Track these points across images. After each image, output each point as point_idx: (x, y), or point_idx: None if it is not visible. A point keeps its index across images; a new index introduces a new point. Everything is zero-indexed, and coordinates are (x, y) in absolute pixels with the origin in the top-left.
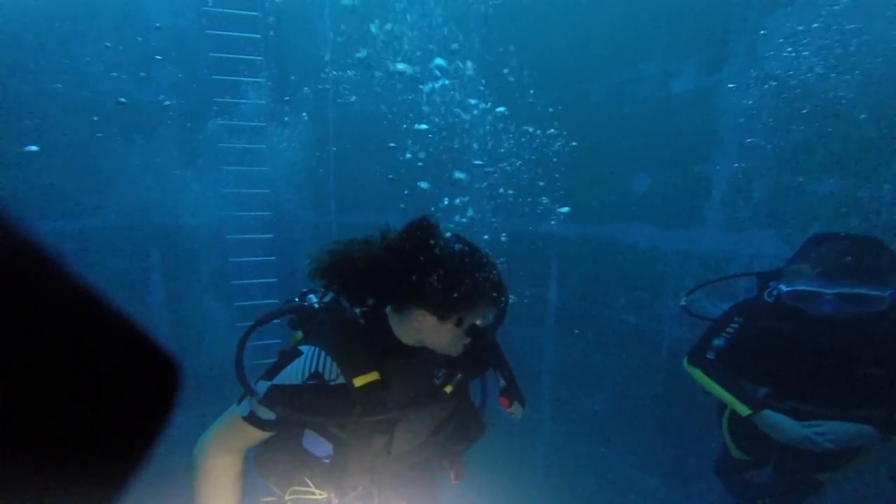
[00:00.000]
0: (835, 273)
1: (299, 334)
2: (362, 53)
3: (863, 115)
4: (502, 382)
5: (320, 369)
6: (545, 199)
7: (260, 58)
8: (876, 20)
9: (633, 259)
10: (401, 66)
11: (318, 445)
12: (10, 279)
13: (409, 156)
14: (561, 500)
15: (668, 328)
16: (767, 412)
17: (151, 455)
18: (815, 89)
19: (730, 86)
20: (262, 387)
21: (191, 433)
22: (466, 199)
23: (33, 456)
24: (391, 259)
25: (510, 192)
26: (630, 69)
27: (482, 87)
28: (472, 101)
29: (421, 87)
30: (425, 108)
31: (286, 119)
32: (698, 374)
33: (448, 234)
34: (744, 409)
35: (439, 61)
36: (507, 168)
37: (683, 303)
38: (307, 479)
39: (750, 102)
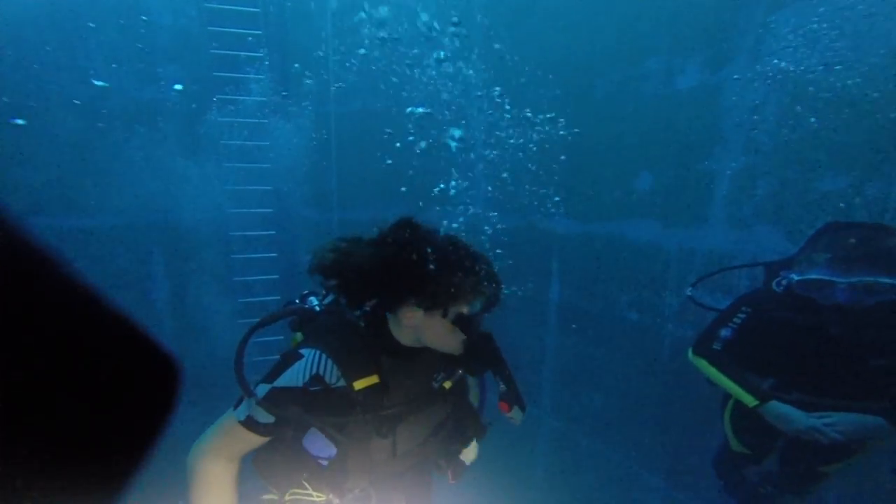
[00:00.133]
0: (849, 261)
1: (299, 336)
2: (369, 44)
3: (869, 111)
4: (502, 387)
5: (321, 372)
6: (546, 196)
7: (261, 54)
8: (882, 14)
9: (636, 256)
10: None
11: (321, 447)
12: (10, 279)
13: (410, 138)
14: (562, 497)
15: (670, 326)
16: (774, 402)
17: (152, 455)
18: (821, 85)
19: (735, 78)
20: (263, 389)
21: (193, 431)
22: (465, 184)
23: (33, 456)
24: (376, 257)
25: (511, 188)
26: (634, 66)
27: (483, 85)
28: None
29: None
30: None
31: (288, 115)
32: (704, 365)
33: (435, 232)
34: (750, 400)
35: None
36: (508, 165)
37: (689, 293)
38: (305, 483)
39: (754, 99)
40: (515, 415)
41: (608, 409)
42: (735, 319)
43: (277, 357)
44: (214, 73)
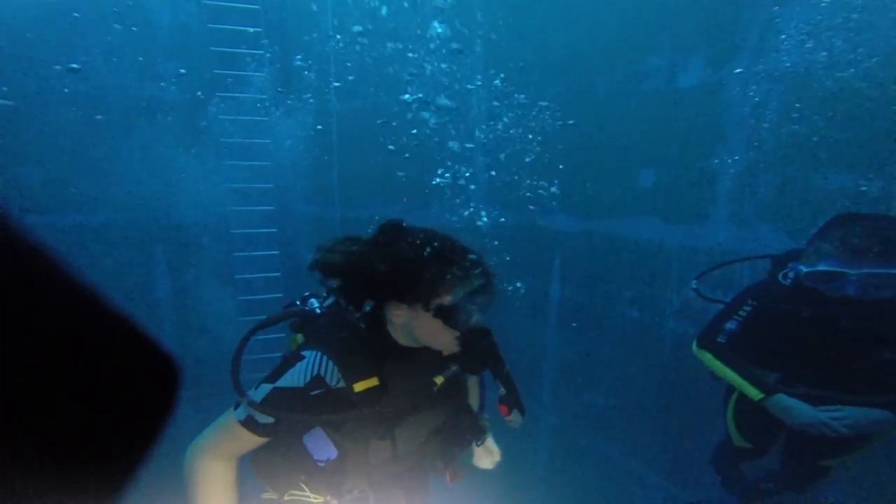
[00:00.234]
0: (860, 253)
1: (300, 337)
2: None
3: (872, 108)
4: (502, 390)
5: (322, 373)
6: (548, 192)
7: (261, 51)
8: (885, 11)
9: (637, 254)
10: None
11: (322, 449)
12: (10, 279)
13: (414, 131)
14: (563, 494)
15: (671, 323)
16: (780, 396)
17: (152, 455)
18: (824, 83)
19: (737, 76)
20: (265, 389)
21: (194, 430)
22: (467, 174)
23: (33, 456)
24: (357, 256)
25: (512, 186)
26: (636, 63)
27: (483, 79)
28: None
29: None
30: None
31: (289, 112)
32: (708, 359)
33: (419, 230)
34: (756, 393)
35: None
36: (508, 163)
37: (694, 285)
38: (303, 485)
39: (757, 96)
40: (515, 418)
41: (609, 407)
42: (741, 312)
43: (277, 354)
44: (215, 71)
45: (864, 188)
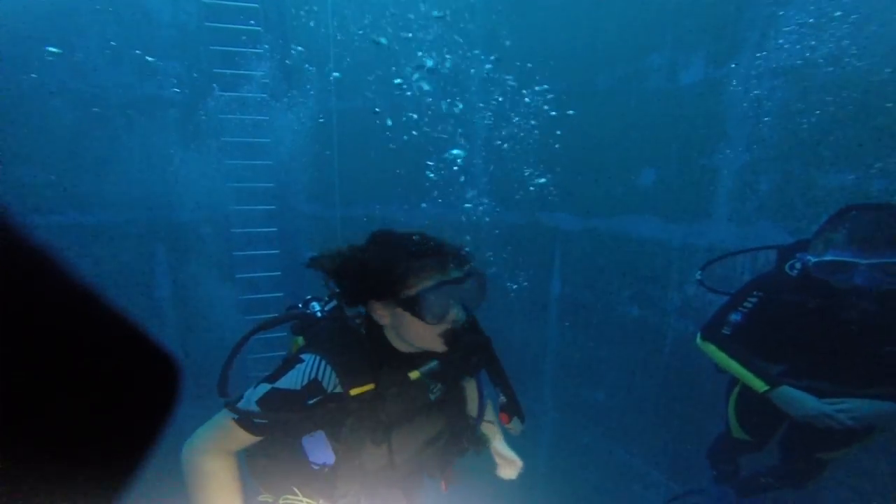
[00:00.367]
0: (870, 242)
1: (300, 340)
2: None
3: (874, 106)
4: (502, 398)
5: (319, 377)
6: (548, 190)
7: (261, 50)
8: (887, 9)
9: (638, 251)
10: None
11: (320, 453)
12: (11, 279)
13: (413, 134)
14: (564, 491)
15: (672, 321)
16: (785, 388)
17: (152, 455)
18: (825, 80)
19: (738, 74)
20: (263, 388)
21: (195, 429)
22: (467, 174)
23: (33, 456)
24: (340, 260)
25: (512, 183)
26: (638, 60)
27: (484, 76)
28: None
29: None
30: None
31: (290, 108)
32: (713, 351)
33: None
34: (760, 385)
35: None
36: (509, 161)
37: (699, 276)
38: (296, 489)
39: (758, 94)
40: (514, 425)
41: (610, 405)
42: (746, 304)
43: (279, 353)
44: (214, 70)
45: (865, 186)
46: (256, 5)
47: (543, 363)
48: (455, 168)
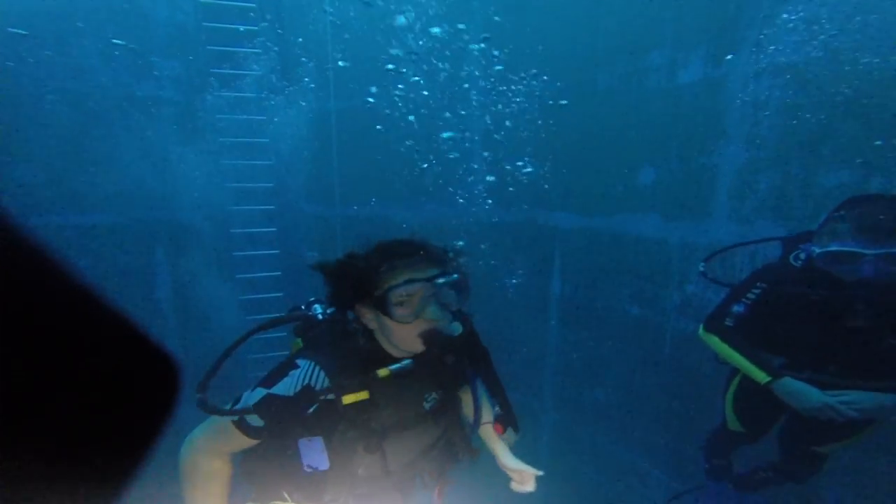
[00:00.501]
0: (876, 232)
1: (300, 342)
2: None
3: (873, 105)
4: (497, 409)
5: (312, 383)
6: (548, 189)
7: (259, 50)
8: (887, 8)
9: (638, 250)
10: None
11: (316, 456)
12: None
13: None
14: (564, 489)
15: (672, 320)
16: (787, 379)
17: (152, 456)
18: (825, 79)
19: (737, 72)
20: (259, 392)
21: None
22: (467, 173)
23: (34, 456)
24: (332, 265)
25: (511, 183)
26: (637, 59)
27: (483, 75)
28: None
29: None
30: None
31: (288, 108)
32: (715, 342)
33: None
34: (762, 377)
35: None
36: (509, 160)
37: (702, 268)
38: (286, 495)
39: (758, 93)
40: (509, 436)
41: (610, 403)
42: (749, 295)
43: (280, 353)
44: (212, 70)
45: (863, 184)
46: (253, 4)
47: (543, 362)
48: (455, 168)
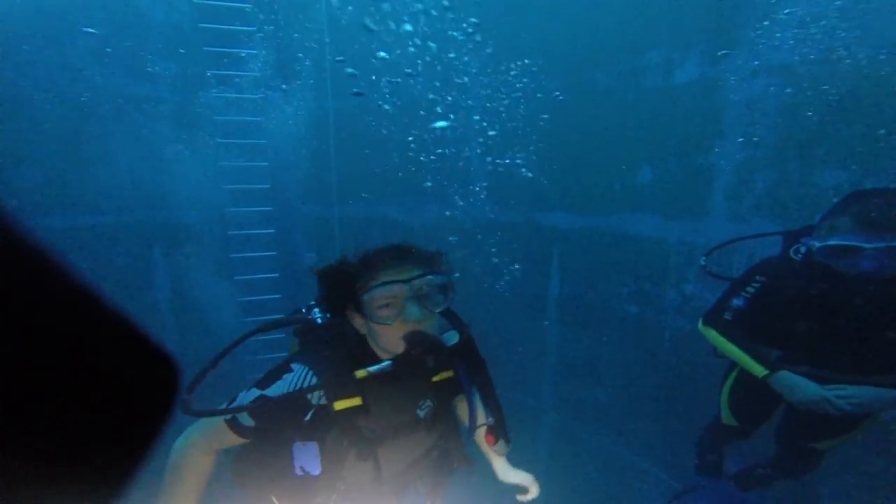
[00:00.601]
0: (877, 226)
1: (297, 344)
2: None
3: (869, 105)
4: (490, 419)
5: (305, 388)
6: (546, 189)
7: (255, 51)
8: (883, 10)
9: (636, 249)
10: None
11: (309, 459)
12: (10, 280)
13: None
14: (563, 488)
15: (670, 318)
16: (785, 372)
17: (151, 456)
18: (821, 79)
19: (735, 74)
20: (254, 393)
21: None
22: (467, 173)
23: (33, 457)
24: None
25: (510, 182)
26: (635, 58)
27: (482, 75)
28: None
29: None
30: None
31: (286, 107)
32: (713, 336)
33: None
34: (760, 370)
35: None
36: (507, 160)
37: (703, 262)
38: (274, 499)
39: (755, 92)
40: (500, 447)
41: (609, 402)
42: (748, 289)
43: (279, 354)
44: (210, 71)
45: (859, 183)
46: (248, 5)
47: (543, 362)
48: (454, 167)
